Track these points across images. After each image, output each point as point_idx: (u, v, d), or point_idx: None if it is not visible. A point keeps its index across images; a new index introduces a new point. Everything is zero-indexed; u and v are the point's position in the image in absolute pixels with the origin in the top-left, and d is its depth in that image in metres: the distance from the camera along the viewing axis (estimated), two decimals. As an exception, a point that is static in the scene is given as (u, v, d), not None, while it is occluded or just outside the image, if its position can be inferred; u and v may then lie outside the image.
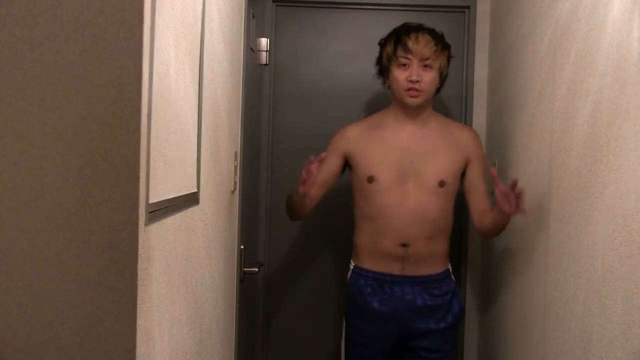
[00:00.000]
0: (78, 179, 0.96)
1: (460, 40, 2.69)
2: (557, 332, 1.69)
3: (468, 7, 2.69)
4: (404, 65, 2.12)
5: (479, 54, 2.68)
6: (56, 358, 0.97)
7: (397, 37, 2.16)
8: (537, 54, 1.96)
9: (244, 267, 2.15)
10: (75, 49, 0.95)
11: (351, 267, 2.26)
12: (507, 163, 2.30)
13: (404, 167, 2.15)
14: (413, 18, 2.65)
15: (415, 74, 2.10)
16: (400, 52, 2.13)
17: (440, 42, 2.16)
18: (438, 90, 2.22)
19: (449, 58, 2.20)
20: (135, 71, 0.96)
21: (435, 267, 2.20)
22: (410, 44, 2.11)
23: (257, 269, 2.23)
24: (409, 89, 2.11)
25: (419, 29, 2.16)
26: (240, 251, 2.09)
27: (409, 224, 2.12)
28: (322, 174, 2.17)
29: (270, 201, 2.71)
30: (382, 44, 2.22)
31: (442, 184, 2.15)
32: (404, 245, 2.13)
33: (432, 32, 2.17)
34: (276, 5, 2.69)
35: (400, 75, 2.13)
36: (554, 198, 1.75)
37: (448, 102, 2.70)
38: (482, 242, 2.65)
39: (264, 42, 2.62)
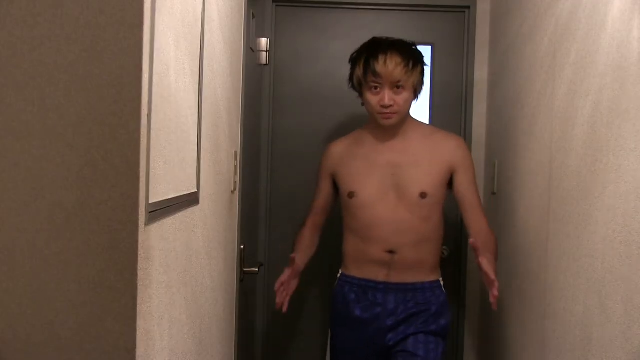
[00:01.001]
0: (78, 179, 0.96)
1: (460, 40, 2.70)
2: (557, 332, 1.69)
3: (468, 7, 2.69)
4: (375, 88, 2.06)
5: (479, 54, 2.68)
6: (56, 358, 0.97)
7: (366, 60, 2.07)
8: (537, 54, 1.96)
9: (244, 267, 2.15)
10: (75, 49, 0.95)
11: (338, 276, 2.25)
12: (507, 163, 2.30)
13: (384, 181, 2.12)
14: (413, 18, 2.66)
15: (387, 98, 2.04)
16: (369, 77, 2.05)
17: (412, 58, 2.06)
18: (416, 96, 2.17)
19: (422, 71, 2.12)
20: (135, 71, 0.96)
21: (422, 275, 2.13)
22: (379, 68, 2.02)
23: (257, 269, 2.23)
24: (382, 113, 2.06)
25: (387, 48, 2.06)
26: (240, 251, 2.09)
27: (394, 232, 2.09)
28: (320, 200, 2.28)
29: (270, 201, 2.71)
30: (353, 61, 2.15)
31: (423, 195, 2.08)
32: (391, 252, 2.09)
33: (402, 50, 2.06)
34: (276, 5, 2.69)
35: (372, 99, 2.07)
36: (554, 198, 1.75)
37: (448, 102, 2.71)
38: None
39: (264, 42, 2.62)
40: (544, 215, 1.82)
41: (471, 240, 1.92)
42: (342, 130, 2.71)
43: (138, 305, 0.98)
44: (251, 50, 2.30)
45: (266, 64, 2.64)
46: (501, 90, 2.43)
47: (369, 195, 2.11)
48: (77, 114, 0.96)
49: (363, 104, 2.16)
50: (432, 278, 2.15)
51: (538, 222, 1.89)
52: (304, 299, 2.75)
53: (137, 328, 0.98)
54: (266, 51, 2.63)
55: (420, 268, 2.12)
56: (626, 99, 1.31)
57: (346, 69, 2.67)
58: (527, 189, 2.03)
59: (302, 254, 2.24)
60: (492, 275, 1.83)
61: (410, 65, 2.05)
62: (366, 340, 2.13)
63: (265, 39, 2.63)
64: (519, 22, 2.20)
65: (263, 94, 2.68)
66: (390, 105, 2.05)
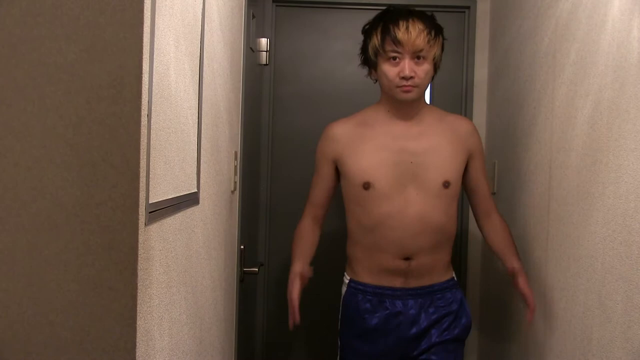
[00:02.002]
0: (78, 179, 0.96)
1: (460, 40, 2.70)
2: (557, 332, 1.68)
3: (468, 7, 2.69)
4: (394, 58, 1.85)
5: (479, 54, 2.68)
6: (56, 358, 0.97)
7: (384, 27, 1.88)
8: (537, 54, 1.96)
9: (244, 267, 2.15)
10: (75, 49, 0.95)
11: (346, 282, 2.04)
12: (507, 163, 2.30)
13: (402, 169, 1.90)
14: (413, 18, 2.64)
15: (409, 69, 1.84)
16: (388, 46, 1.85)
17: (434, 28, 1.88)
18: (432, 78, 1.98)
19: (443, 45, 1.93)
20: (135, 71, 0.96)
21: (439, 276, 1.97)
22: (401, 35, 1.83)
23: (257, 269, 2.23)
24: (402, 86, 1.86)
25: (408, 15, 1.87)
26: (240, 251, 2.09)
27: (413, 234, 1.89)
28: (321, 190, 2.05)
29: (270, 201, 2.71)
30: (367, 31, 1.95)
31: (446, 184, 1.90)
32: (407, 259, 1.90)
33: (423, 17, 1.89)
34: (276, 5, 2.69)
35: (390, 71, 1.86)
36: (554, 198, 1.75)
37: (448, 102, 2.71)
38: (482, 242, 2.65)
39: (264, 42, 2.62)
40: (544, 215, 1.82)
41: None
42: (342, 130, 2.72)
43: (138, 305, 0.98)
44: (251, 50, 2.30)
45: (266, 64, 2.64)
46: (501, 90, 2.43)
47: (386, 186, 1.89)
48: (77, 114, 0.96)
49: (376, 81, 1.97)
50: (448, 276, 2.00)
51: (538, 222, 1.89)
52: (305, 299, 2.75)
53: (137, 328, 0.98)
54: (266, 51, 2.63)
55: (437, 269, 1.97)
56: (626, 99, 1.31)
57: (346, 68, 2.68)
58: (527, 189, 2.03)
59: (305, 258, 2.05)
60: (532, 302, 1.86)
61: (433, 34, 1.87)
62: (385, 351, 1.96)
63: (265, 39, 2.63)
64: (519, 22, 2.20)
65: (263, 94, 2.68)
66: (411, 77, 1.84)
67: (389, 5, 1.96)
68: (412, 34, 1.83)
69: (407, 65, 1.84)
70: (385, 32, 1.86)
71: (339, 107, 2.70)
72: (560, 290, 1.67)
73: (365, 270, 1.98)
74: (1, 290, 0.96)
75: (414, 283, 1.94)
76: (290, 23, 2.70)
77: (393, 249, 1.91)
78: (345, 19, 2.71)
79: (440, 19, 2.68)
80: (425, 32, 1.85)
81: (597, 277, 1.43)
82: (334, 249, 2.56)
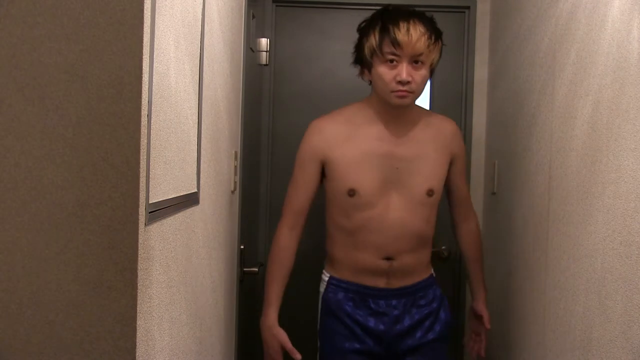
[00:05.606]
0: (78, 179, 0.96)
1: (460, 40, 2.70)
2: (557, 332, 1.69)
3: (468, 7, 2.69)
4: (391, 61, 1.78)
5: (479, 54, 2.68)
6: (56, 358, 0.97)
7: (383, 27, 1.79)
8: (537, 54, 1.96)
9: (244, 267, 2.15)
10: (75, 49, 0.95)
11: (326, 279, 1.99)
12: (507, 163, 2.30)
13: (387, 175, 1.86)
14: (413, 18, 2.64)
15: (406, 73, 1.76)
16: (387, 47, 1.77)
17: (434, 31, 1.81)
18: None
19: (441, 49, 1.87)
20: (135, 71, 0.96)
21: (420, 275, 1.98)
22: (401, 37, 1.74)
23: (257, 269, 2.23)
24: (397, 90, 1.79)
25: (409, 16, 1.79)
26: (240, 251, 2.09)
27: (392, 238, 1.88)
28: (305, 194, 1.92)
29: (270, 201, 2.71)
30: (363, 29, 1.87)
31: (430, 192, 1.89)
32: (388, 259, 1.90)
33: (424, 20, 1.81)
34: (276, 5, 2.69)
35: (386, 74, 1.78)
36: (554, 198, 1.75)
37: (448, 102, 2.71)
38: (482, 242, 2.65)
39: (264, 42, 2.62)
40: (544, 215, 1.82)
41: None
42: (342, 130, 2.72)
43: (138, 305, 0.98)
44: (251, 50, 2.30)
45: (266, 64, 2.64)
46: (501, 90, 2.43)
47: (370, 193, 1.86)
48: (77, 114, 0.96)
49: (370, 82, 1.90)
50: (427, 275, 2.02)
51: (538, 222, 1.89)
52: (304, 299, 2.75)
53: (137, 328, 0.98)
54: (266, 51, 2.63)
55: (418, 269, 1.98)
56: (626, 99, 1.31)
57: (346, 69, 2.68)
58: (527, 189, 2.03)
59: (279, 300, 1.94)
60: (488, 325, 2.08)
61: (433, 38, 1.80)
62: (368, 349, 1.93)
63: (265, 39, 2.63)
64: (519, 22, 2.20)
65: (263, 94, 2.68)
66: (408, 82, 1.77)
67: (388, 5, 1.89)
68: (413, 36, 1.75)
69: (404, 69, 1.77)
70: (384, 33, 1.78)
71: (338, 107, 2.69)
72: (560, 290, 1.67)
73: (347, 268, 1.95)
74: (1, 290, 0.96)
75: (397, 283, 1.94)
76: (290, 23, 2.70)
77: (373, 250, 1.90)
78: (345, 19, 2.71)
79: (440, 19, 2.68)
80: (426, 36, 1.77)
81: (597, 277, 1.43)
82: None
